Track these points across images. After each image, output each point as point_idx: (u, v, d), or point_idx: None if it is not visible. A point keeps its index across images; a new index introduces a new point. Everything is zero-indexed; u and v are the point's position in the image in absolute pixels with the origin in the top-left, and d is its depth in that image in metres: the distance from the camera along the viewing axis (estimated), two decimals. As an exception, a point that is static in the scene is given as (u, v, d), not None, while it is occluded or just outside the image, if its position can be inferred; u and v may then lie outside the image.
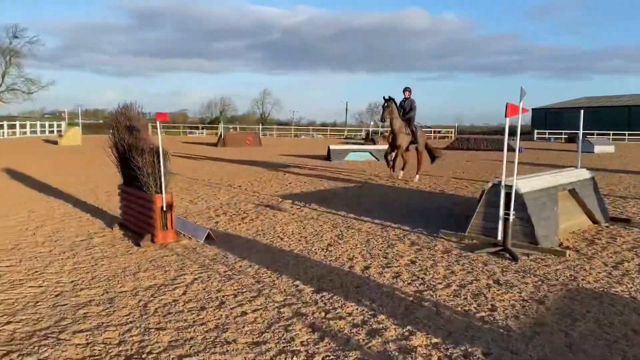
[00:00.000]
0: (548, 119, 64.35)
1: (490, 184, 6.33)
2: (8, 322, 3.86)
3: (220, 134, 32.00)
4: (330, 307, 4.13)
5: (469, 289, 4.59)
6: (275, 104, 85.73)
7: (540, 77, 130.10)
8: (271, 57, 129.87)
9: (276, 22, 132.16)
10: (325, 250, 5.96)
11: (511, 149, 11.60)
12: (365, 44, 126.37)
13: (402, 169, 13.29)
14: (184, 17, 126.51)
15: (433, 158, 13.80)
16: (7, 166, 15.69)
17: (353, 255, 5.73)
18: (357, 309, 4.09)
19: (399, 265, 5.33)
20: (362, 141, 31.06)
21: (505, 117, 5.67)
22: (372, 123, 48.61)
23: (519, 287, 4.68)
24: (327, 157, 20.35)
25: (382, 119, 12.69)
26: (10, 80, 54.98)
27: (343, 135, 53.18)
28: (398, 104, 12.60)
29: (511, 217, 5.74)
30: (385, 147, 22.27)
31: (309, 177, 13.86)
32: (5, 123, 38.60)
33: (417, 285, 4.71)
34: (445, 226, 7.02)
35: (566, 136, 45.74)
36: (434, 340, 3.52)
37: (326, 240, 6.48)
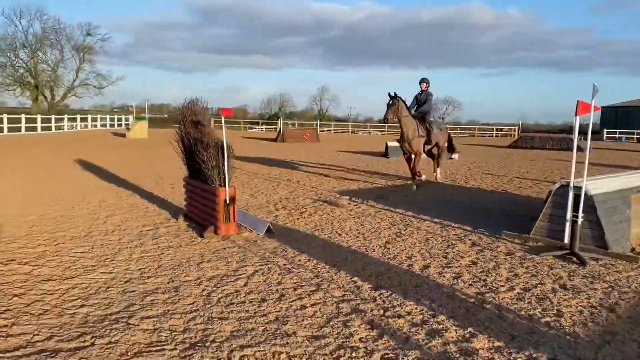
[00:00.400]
0: (619, 117, 61.06)
1: (557, 185, 6.10)
2: (82, 305, 4.09)
3: (280, 130, 32.45)
4: (389, 305, 4.12)
5: (533, 293, 4.45)
6: (333, 100, 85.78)
7: (611, 73, 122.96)
8: (331, 54, 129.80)
9: (337, 19, 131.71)
10: (383, 248, 5.94)
11: (579, 149, 11.10)
12: (425, 39, 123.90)
13: (435, 170, 11.92)
14: (245, 13, 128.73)
15: (452, 150, 12.54)
16: (79, 157, 16.57)
17: (412, 254, 5.67)
18: (416, 308, 4.05)
19: (459, 266, 5.23)
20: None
21: (575, 115, 5.44)
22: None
23: (587, 292, 4.49)
24: (385, 154, 20.22)
25: (385, 120, 10.41)
26: (83, 75, 58.15)
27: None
28: (413, 99, 11.00)
29: (580, 220, 5.51)
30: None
31: (366, 173, 13.82)
32: (78, 116, 40.90)
33: (479, 287, 4.60)
34: (508, 227, 6.83)
35: (638, 136, 43.29)
36: (497, 343, 3.44)
37: (384, 237, 6.45)
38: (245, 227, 6.62)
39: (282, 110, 56.67)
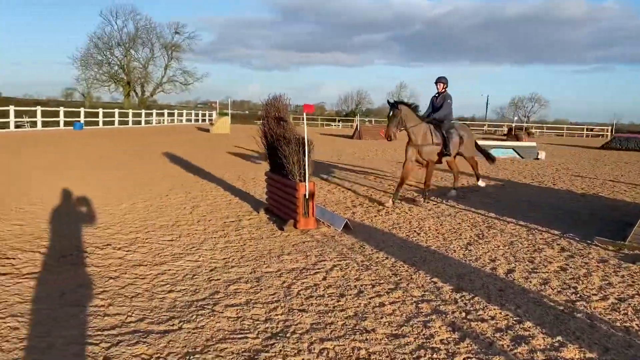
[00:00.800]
0: None
1: (659, 190, 5.65)
2: (170, 291, 4.30)
3: (356, 127, 32.42)
4: (471, 308, 4.00)
5: (629, 304, 4.15)
6: (411, 97, 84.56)
7: None
8: (410, 50, 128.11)
9: (418, 14, 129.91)
10: (464, 249, 5.77)
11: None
12: (511, 34, 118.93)
13: (454, 185, 10.04)
14: (325, 11, 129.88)
15: (489, 158, 10.72)
16: (167, 150, 17.41)
17: (495, 257, 5.47)
18: (500, 313, 3.91)
19: (547, 272, 4.98)
20: (504, 137, 29.46)
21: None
22: (515, 118, 46.01)
23: (692, 307, 4.13)
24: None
25: (388, 138, 8.49)
26: (170, 72, 61.21)
27: (482, 130, 50.93)
28: (429, 102, 9.34)
29: (684, 228, 5.07)
30: (529, 144, 20.91)
31: (445, 172, 13.47)
32: (165, 111, 43.12)
33: (569, 294, 4.36)
34: (601, 233, 6.41)
35: None
36: (588, 354, 3.24)
37: (465, 238, 6.27)
38: (323, 223, 6.68)
39: (359, 108, 56.60)
